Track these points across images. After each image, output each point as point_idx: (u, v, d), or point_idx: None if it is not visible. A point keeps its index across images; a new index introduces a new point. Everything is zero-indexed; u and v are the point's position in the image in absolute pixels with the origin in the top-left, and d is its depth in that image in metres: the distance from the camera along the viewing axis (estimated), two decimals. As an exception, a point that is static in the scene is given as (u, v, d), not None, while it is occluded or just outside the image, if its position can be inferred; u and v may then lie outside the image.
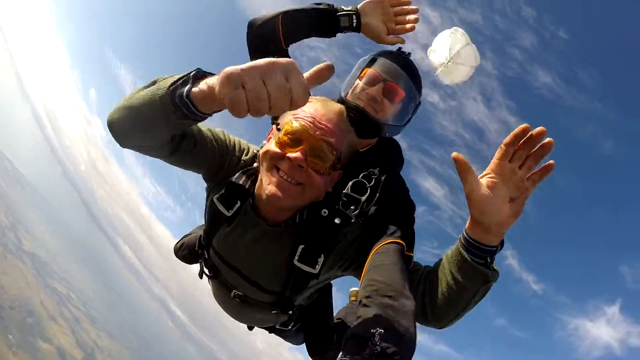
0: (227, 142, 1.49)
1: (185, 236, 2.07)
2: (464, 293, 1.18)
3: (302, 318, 1.91)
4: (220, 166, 1.47)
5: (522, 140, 1.07)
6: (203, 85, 0.94)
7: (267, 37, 1.60)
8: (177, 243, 2.08)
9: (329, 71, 0.90)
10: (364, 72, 1.63)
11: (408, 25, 1.64)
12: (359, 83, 1.61)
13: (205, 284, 1.90)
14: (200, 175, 1.55)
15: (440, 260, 1.29)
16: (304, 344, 2.14)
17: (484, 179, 1.12)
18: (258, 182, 1.37)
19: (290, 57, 1.31)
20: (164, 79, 1.03)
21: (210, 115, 1.03)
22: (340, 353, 0.81)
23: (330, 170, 1.33)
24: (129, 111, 1.10)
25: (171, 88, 0.98)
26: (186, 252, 1.92)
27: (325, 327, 2.09)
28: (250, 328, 1.99)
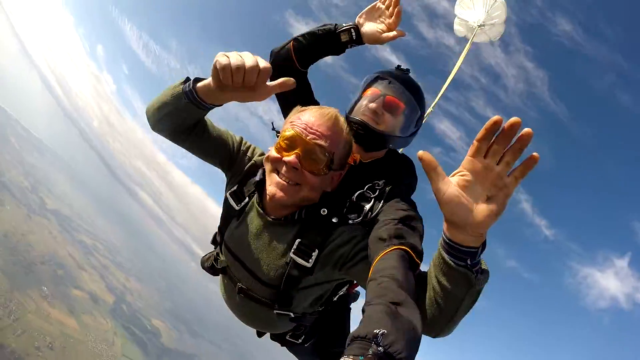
0: (241, 141, 1.75)
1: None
2: (449, 298, 1.12)
3: (316, 335, 1.96)
4: (231, 160, 1.71)
5: (497, 135, 0.97)
6: (204, 81, 1.35)
7: (282, 63, 1.78)
8: (204, 257, 2.15)
9: (289, 85, 1.30)
10: (365, 91, 1.79)
11: (392, 19, 1.71)
12: (362, 101, 1.77)
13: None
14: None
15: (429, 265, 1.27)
16: None
17: (456, 177, 1.03)
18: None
19: (307, 81, 1.89)
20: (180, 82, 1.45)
21: (209, 104, 1.40)
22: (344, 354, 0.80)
23: (325, 170, 1.45)
24: (156, 102, 1.51)
25: (183, 83, 1.41)
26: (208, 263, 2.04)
27: (341, 346, 2.08)
28: (260, 334, 2.02)
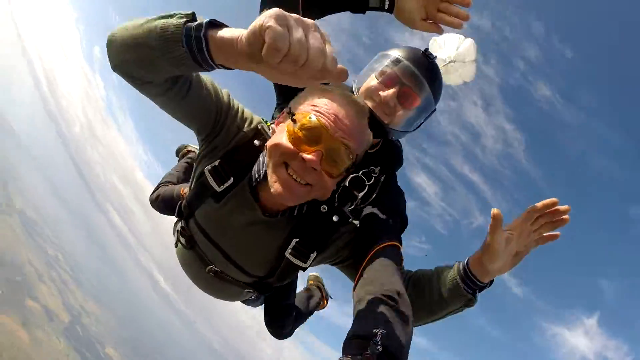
0: (230, 103, 1.35)
1: (160, 185, 2.09)
2: (445, 309, 1.32)
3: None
4: (215, 127, 1.33)
5: (548, 211, 1.23)
6: (225, 31, 0.86)
7: (284, 6, 1.28)
8: (153, 194, 2.09)
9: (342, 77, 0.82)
10: (382, 70, 1.52)
11: (456, 21, 1.35)
12: (375, 81, 1.51)
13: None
14: (194, 133, 1.39)
15: (429, 272, 1.39)
16: (263, 315, 2.13)
17: (505, 234, 1.24)
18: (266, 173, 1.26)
19: None
20: (178, 16, 0.92)
21: (218, 65, 0.92)
22: (342, 353, 0.80)
23: (343, 174, 1.23)
24: (133, 36, 0.98)
25: (186, 25, 0.90)
26: (161, 204, 1.94)
27: (287, 303, 2.13)
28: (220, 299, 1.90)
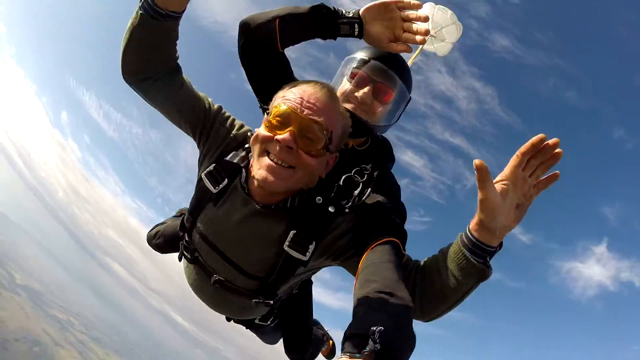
0: (220, 109, 1.51)
1: (159, 224, 2.04)
2: (459, 290, 1.20)
3: (281, 314, 1.92)
4: (205, 125, 1.47)
5: (538, 150, 1.10)
6: None
7: (262, 42, 1.53)
8: (151, 231, 2.02)
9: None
10: (352, 73, 1.62)
11: (418, 38, 1.49)
12: (348, 84, 1.61)
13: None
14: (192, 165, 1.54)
15: (434, 256, 1.29)
16: (282, 343, 2.10)
17: (498, 185, 1.13)
18: (250, 166, 1.35)
19: (286, 58, 1.61)
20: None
21: (177, 12, 1.24)
22: (340, 351, 0.79)
23: (322, 152, 1.29)
24: (124, 41, 1.30)
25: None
26: (161, 240, 1.92)
27: (305, 325, 2.07)
28: (229, 320, 1.91)
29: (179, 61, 1.43)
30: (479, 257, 1.15)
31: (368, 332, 0.78)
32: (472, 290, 1.22)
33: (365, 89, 1.56)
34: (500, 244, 1.20)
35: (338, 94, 1.51)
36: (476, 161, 1.08)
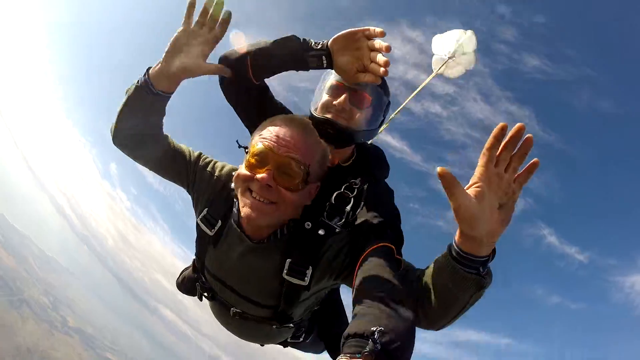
0: (200, 155, 1.63)
1: (184, 270, 2.06)
2: (457, 301, 1.17)
3: (316, 327, 1.95)
4: (188, 175, 1.59)
5: (504, 142, 1.03)
6: (155, 65, 1.39)
7: (238, 78, 1.58)
8: (178, 278, 2.06)
9: (225, 72, 1.49)
10: (329, 85, 1.64)
11: (381, 70, 1.42)
12: (326, 96, 1.63)
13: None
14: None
15: (430, 267, 1.25)
16: (326, 351, 2.15)
17: (471, 189, 1.05)
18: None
19: (266, 87, 1.68)
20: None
21: (165, 92, 1.42)
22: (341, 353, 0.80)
23: (302, 185, 1.32)
24: (120, 110, 1.47)
25: (139, 78, 1.42)
26: (188, 284, 1.93)
27: (341, 328, 1.93)
28: (262, 344, 2.00)
29: (164, 129, 1.58)
30: (471, 269, 1.11)
31: (368, 333, 0.78)
32: (473, 300, 1.19)
33: (342, 97, 1.59)
34: (494, 252, 1.13)
35: (318, 107, 1.63)
36: (438, 169, 1.00)
